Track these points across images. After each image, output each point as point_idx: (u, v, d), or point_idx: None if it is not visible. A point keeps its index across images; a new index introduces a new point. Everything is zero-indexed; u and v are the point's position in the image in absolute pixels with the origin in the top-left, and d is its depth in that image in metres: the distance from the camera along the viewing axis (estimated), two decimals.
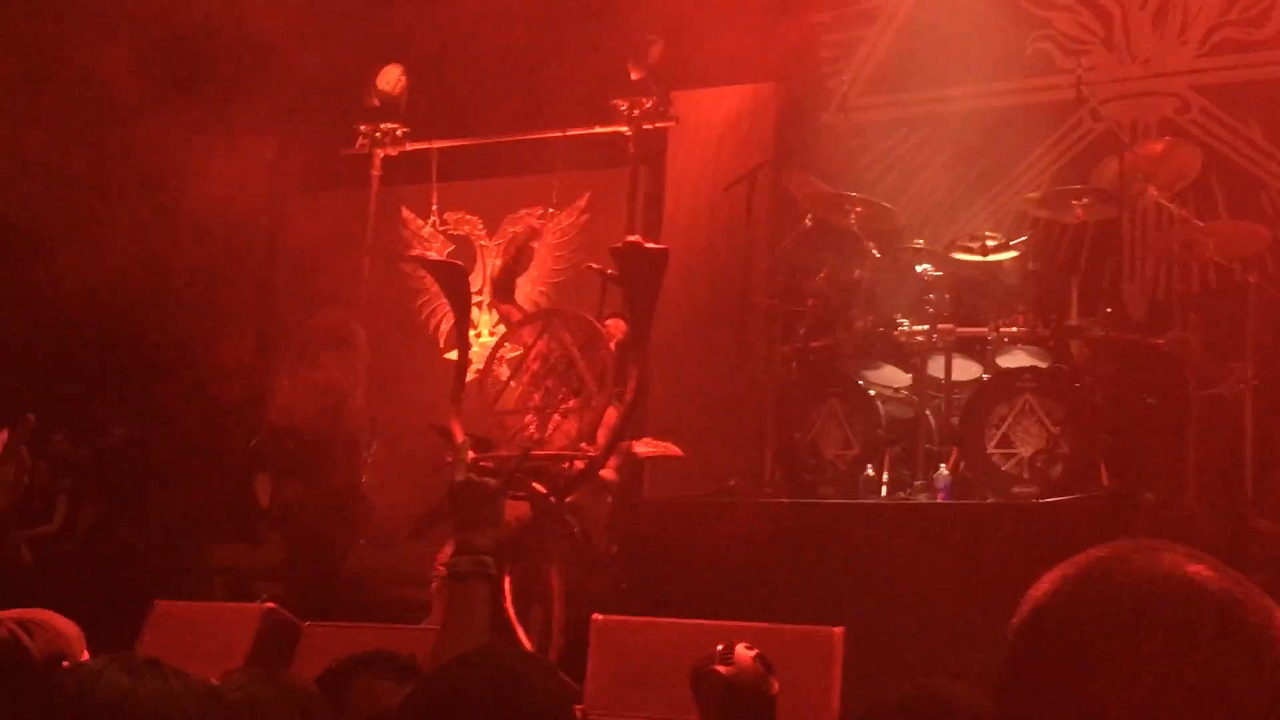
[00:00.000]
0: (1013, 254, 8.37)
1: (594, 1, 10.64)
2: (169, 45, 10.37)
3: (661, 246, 6.75)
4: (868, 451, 8.19)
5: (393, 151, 11.63)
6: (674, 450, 7.99)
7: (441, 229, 11.81)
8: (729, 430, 9.38)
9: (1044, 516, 7.31)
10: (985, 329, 8.27)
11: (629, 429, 7.24)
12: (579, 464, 6.72)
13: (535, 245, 9.64)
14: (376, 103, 11.44)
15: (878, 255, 8.62)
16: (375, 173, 11.66)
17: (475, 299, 9.96)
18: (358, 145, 11.64)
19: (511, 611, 5.92)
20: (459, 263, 8.34)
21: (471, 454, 5.76)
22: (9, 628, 3.18)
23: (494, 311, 10.16)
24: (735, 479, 8.92)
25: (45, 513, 12.14)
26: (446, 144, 11.61)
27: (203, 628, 7.04)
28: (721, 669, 4.71)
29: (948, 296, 8.36)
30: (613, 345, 7.09)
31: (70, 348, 12.22)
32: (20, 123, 9.65)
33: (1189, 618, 1.46)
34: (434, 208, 11.79)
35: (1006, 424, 7.86)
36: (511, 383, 7.25)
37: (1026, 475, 7.78)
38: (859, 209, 8.76)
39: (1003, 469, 7.86)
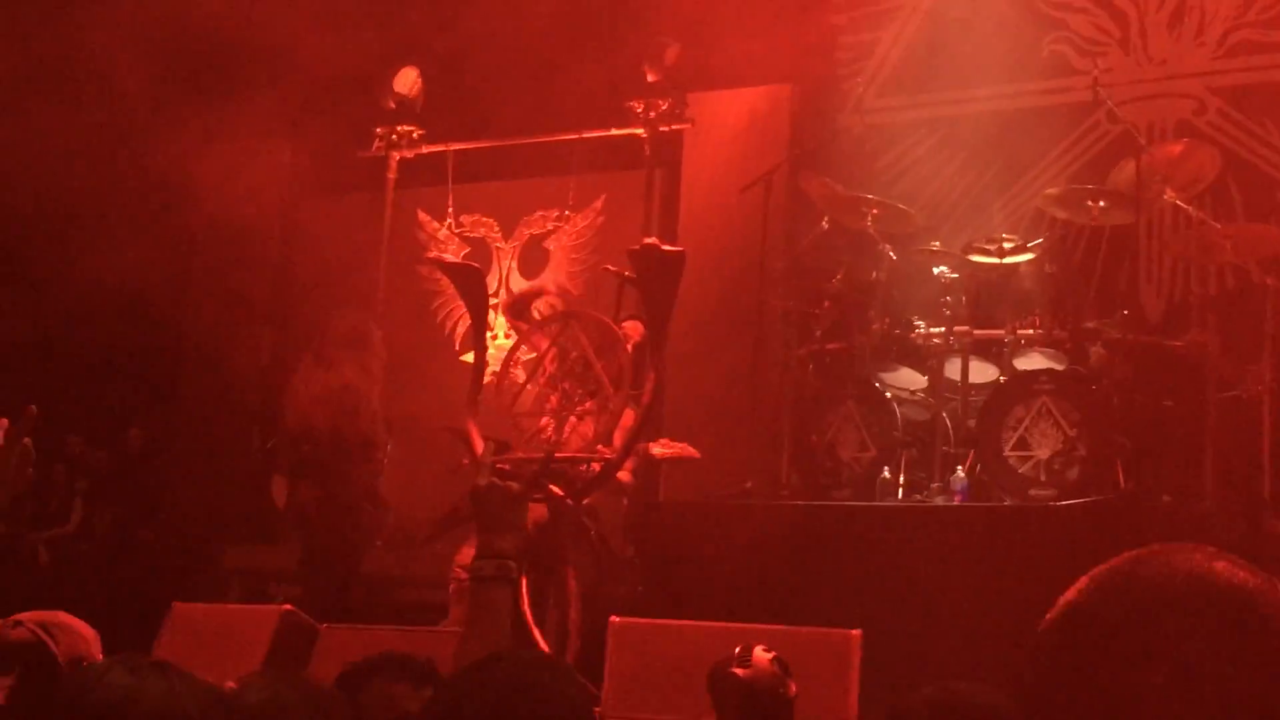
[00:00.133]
0: (1029, 256, 8.36)
1: (610, 4, 10.65)
2: (185, 50, 10.40)
3: (679, 249, 6.74)
4: (884, 454, 8.18)
5: (409, 154, 11.65)
6: (691, 451, 7.98)
7: (457, 231, 11.83)
8: (745, 432, 9.37)
9: (1061, 519, 7.29)
10: (1002, 331, 8.25)
11: (646, 431, 7.23)
12: (596, 466, 6.71)
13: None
14: (392, 105, 11.46)
15: (894, 257, 8.61)
16: (391, 175, 11.68)
17: (491, 301, 9.95)
18: (374, 148, 11.66)
19: (529, 614, 5.91)
20: (475, 265, 8.34)
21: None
22: (33, 630, 3.19)
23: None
24: (751, 481, 8.92)
25: (62, 515, 12.19)
26: (462, 146, 11.63)
27: (220, 630, 7.06)
28: (739, 671, 4.71)
29: (964, 299, 8.35)
30: (630, 347, 7.08)
31: (87, 351, 12.27)
32: (38, 126, 9.68)
33: (1217, 614, 1.46)
34: (450, 210, 11.81)
35: (1023, 426, 7.85)
36: (528, 385, 7.24)
37: (1043, 477, 7.77)
38: (875, 211, 8.75)
39: (1019, 471, 7.84)
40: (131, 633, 5.94)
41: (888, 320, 8.47)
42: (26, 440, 2.95)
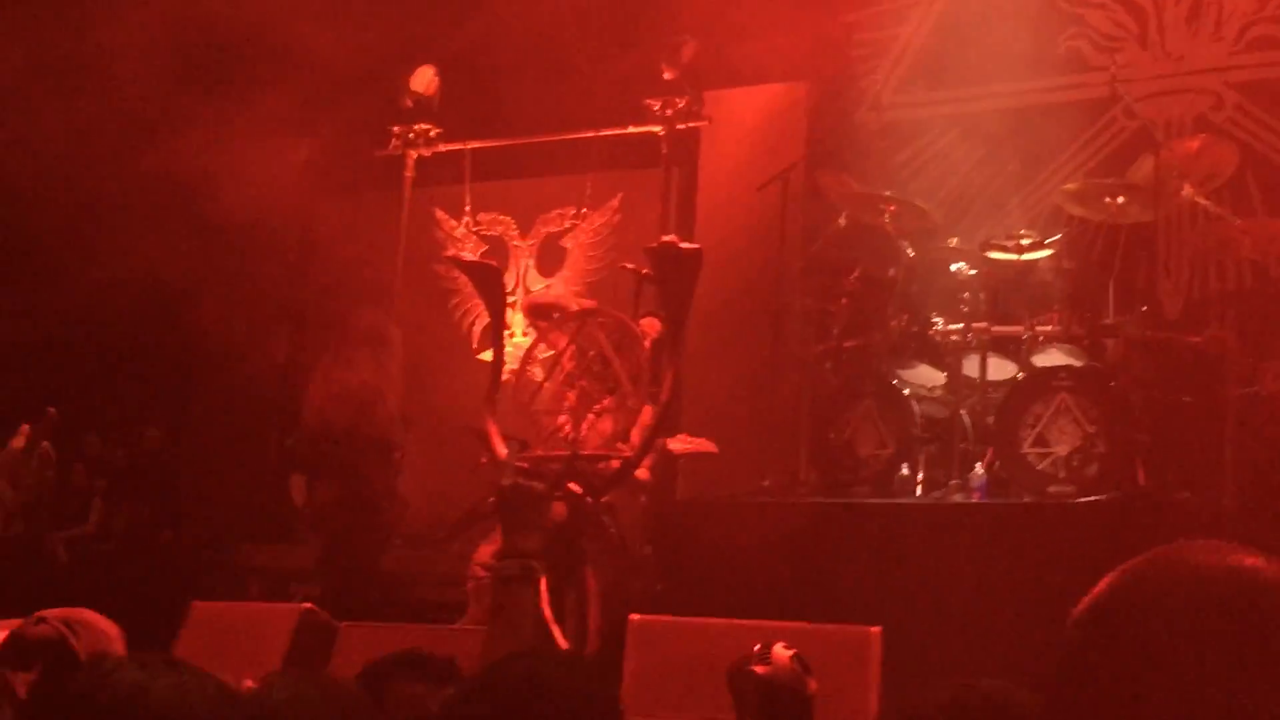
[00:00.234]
0: (1047, 252, 8.34)
1: (626, 2, 10.65)
2: (203, 48, 10.42)
3: (696, 246, 6.74)
4: (903, 451, 8.17)
5: (426, 152, 11.66)
6: (709, 446, 7.98)
7: (475, 229, 11.84)
8: (763, 430, 9.37)
9: (1080, 516, 7.28)
10: (1020, 328, 8.24)
11: (664, 429, 7.23)
12: (614, 464, 6.72)
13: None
14: (410, 104, 11.47)
15: (912, 254, 8.60)
16: (408, 174, 11.69)
17: (509, 299, 9.96)
18: (391, 147, 11.67)
19: (548, 612, 5.92)
20: (493, 263, 8.35)
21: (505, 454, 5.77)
22: (56, 626, 3.20)
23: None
24: (770, 479, 8.92)
25: (81, 514, 12.20)
26: (479, 145, 11.63)
27: (240, 628, 7.07)
28: (759, 669, 4.70)
29: (982, 295, 8.34)
30: (647, 345, 7.08)
31: (104, 350, 12.29)
32: (55, 125, 9.70)
33: (1247, 609, 1.46)
34: (467, 208, 11.81)
35: (1042, 423, 7.84)
36: (546, 383, 7.25)
37: (1062, 474, 7.75)
38: (892, 208, 8.75)
39: (1038, 468, 7.83)
40: (151, 632, 5.95)
41: (906, 317, 8.46)
42: (46, 444, 2.96)
